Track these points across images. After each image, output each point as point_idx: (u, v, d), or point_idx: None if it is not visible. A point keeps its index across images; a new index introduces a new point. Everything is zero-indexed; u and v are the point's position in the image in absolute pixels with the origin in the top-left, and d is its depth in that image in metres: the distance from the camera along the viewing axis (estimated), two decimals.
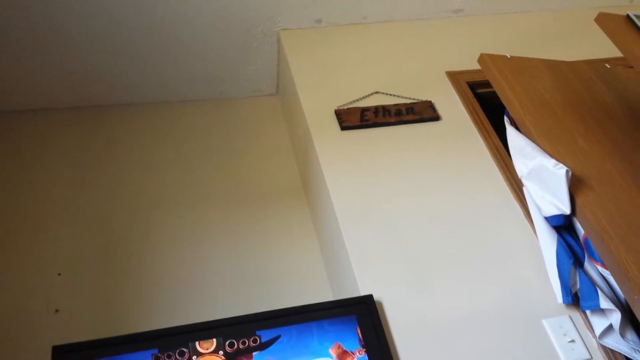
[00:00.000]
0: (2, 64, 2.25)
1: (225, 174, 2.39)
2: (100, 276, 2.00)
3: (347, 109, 2.14)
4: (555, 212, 1.65)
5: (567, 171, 1.57)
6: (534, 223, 1.75)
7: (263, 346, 1.44)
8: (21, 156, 2.30)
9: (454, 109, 2.21)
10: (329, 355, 1.45)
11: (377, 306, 1.58)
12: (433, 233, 1.80)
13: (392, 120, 2.12)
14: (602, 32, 1.82)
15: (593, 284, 1.56)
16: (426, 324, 1.58)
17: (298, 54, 2.39)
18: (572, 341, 1.57)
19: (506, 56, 1.99)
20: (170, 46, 2.37)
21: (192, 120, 2.57)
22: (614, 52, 1.96)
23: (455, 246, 1.77)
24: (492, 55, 1.98)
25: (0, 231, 2.07)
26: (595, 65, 2.14)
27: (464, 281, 1.68)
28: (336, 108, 2.15)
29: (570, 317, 1.62)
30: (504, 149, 2.04)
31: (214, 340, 1.44)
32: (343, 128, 2.08)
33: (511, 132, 1.86)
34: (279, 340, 1.45)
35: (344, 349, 1.47)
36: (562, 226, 1.69)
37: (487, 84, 2.06)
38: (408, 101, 2.21)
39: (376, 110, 2.14)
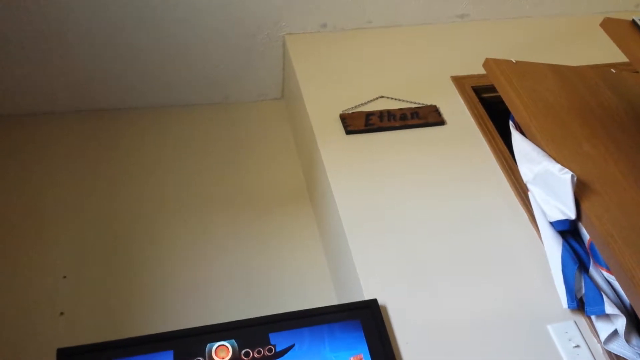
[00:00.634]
0: (3, 68, 2.26)
1: (230, 177, 2.39)
2: (105, 279, 2.01)
3: (352, 113, 2.15)
4: (561, 216, 1.65)
5: (572, 176, 1.57)
6: (539, 228, 1.75)
7: (278, 355, 1.45)
8: (25, 160, 2.31)
9: (459, 113, 2.21)
10: None
11: (382, 310, 1.58)
12: (438, 237, 1.80)
13: (397, 124, 2.12)
14: (608, 37, 1.81)
15: (598, 289, 1.56)
16: (430, 328, 1.58)
17: (303, 59, 2.39)
18: (577, 346, 1.56)
19: (511, 61, 1.99)
20: (175, 50, 2.38)
21: (196, 124, 2.58)
22: (619, 57, 1.95)
23: (460, 251, 1.77)
24: (498, 60, 1.98)
25: (5, 234, 2.08)
26: (600, 70, 2.14)
27: (468, 286, 1.68)
28: (341, 112, 2.15)
29: (575, 322, 1.62)
30: (509, 153, 2.03)
31: (229, 348, 1.44)
32: (348, 132, 2.08)
33: (516, 137, 1.86)
34: (292, 349, 1.46)
35: None
36: (568, 231, 1.69)
37: (492, 88, 2.06)
38: (413, 105, 2.21)
39: (381, 114, 2.14)
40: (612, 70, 2.16)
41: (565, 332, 1.59)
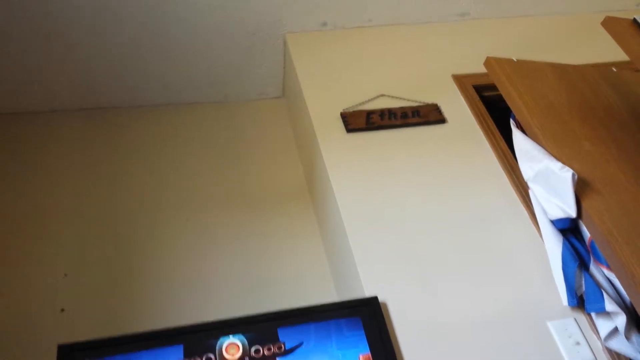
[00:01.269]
0: (4, 66, 2.27)
1: (230, 176, 2.40)
2: (105, 277, 2.01)
3: (353, 111, 2.15)
4: (561, 215, 1.65)
5: (573, 174, 1.57)
6: (540, 226, 1.75)
7: (287, 352, 1.46)
8: (26, 158, 2.31)
9: (460, 111, 2.22)
10: None
11: (382, 308, 1.59)
12: (438, 235, 1.80)
13: (398, 123, 2.12)
14: (609, 35, 1.82)
15: (598, 286, 1.56)
16: (431, 325, 1.58)
17: (304, 57, 2.40)
18: (577, 343, 1.57)
19: (512, 59, 1.99)
20: (175, 49, 2.38)
21: (197, 122, 2.58)
22: (620, 55, 1.96)
23: (461, 248, 1.77)
24: (499, 58, 1.98)
25: (6, 232, 2.08)
26: (601, 68, 2.15)
27: (469, 283, 1.69)
28: (342, 111, 2.15)
29: (575, 319, 1.62)
30: (510, 151, 2.04)
31: (240, 346, 1.45)
32: (349, 131, 2.08)
33: (517, 135, 1.86)
34: (301, 347, 1.47)
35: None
36: (568, 229, 1.69)
37: (493, 87, 2.06)
38: (414, 104, 2.21)
39: (382, 113, 2.15)
40: (613, 69, 2.16)
41: (566, 329, 1.60)
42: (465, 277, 1.70)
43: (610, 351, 1.56)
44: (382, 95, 2.24)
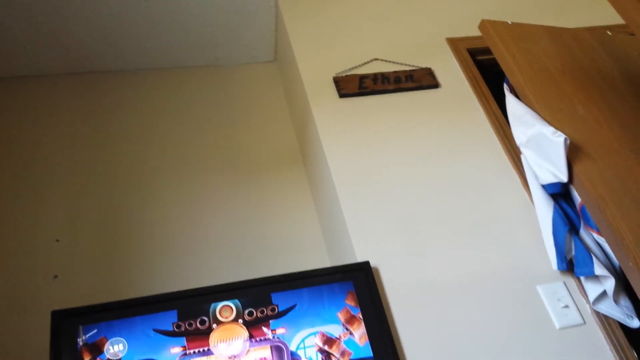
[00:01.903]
0: None
1: (223, 141, 2.38)
2: (98, 242, 2.02)
3: (346, 76, 2.13)
4: (553, 179, 1.65)
5: (565, 139, 1.57)
6: (531, 191, 1.76)
7: (280, 314, 1.48)
8: (17, 123, 2.29)
9: (453, 76, 2.20)
10: (337, 321, 1.48)
11: (374, 272, 1.60)
12: (430, 200, 1.80)
13: (391, 87, 2.10)
14: None
15: (588, 250, 1.58)
16: (422, 289, 1.60)
17: (296, 20, 2.35)
18: (566, 307, 1.59)
19: (507, 22, 1.96)
20: (164, 11, 2.32)
21: (187, 87, 2.56)
22: (616, 19, 1.94)
23: (452, 213, 1.78)
24: (493, 21, 1.95)
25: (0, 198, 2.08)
26: (596, 32, 2.12)
27: (459, 248, 1.70)
28: (334, 75, 2.13)
29: (564, 283, 1.64)
30: (503, 117, 2.03)
31: (233, 308, 1.46)
32: (341, 96, 2.06)
33: (510, 100, 1.85)
34: (294, 309, 1.49)
35: (352, 313, 1.50)
36: (559, 194, 1.70)
37: (487, 51, 2.04)
38: (407, 68, 2.19)
39: (375, 77, 2.12)
40: (609, 32, 2.14)
41: (555, 293, 1.62)
42: (456, 242, 1.71)
43: (598, 314, 1.58)
44: (376, 59, 2.22)
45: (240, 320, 1.46)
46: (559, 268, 1.63)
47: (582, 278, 1.62)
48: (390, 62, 2.21)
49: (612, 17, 2.11)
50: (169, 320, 1.43)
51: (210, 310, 1.46)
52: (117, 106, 2.42)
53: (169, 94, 2.51)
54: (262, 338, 1.44)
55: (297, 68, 2.19)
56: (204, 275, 1.97)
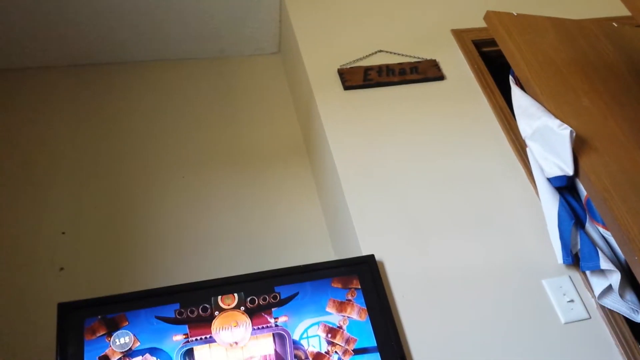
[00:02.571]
0: None
1: (227, 133, 2.38)
2: (104, 235, 2.02)
3: (351, 68, 2.12)
4: (558, 172, 1.65)
5: (571, 132, 1.56)
6: (537, 184, 1.75)
7: (282, 302, 1.48)
8: (21, 115, 2.29)
9: (458, 68, 2.18)
10: (329, 314, 1.49)
11: (379, 266, 1.60)
12: (435, 193, 1.80)
13: (396, 79, 2.09)
14: None
15: (594, 244, 1.57)
16: (427, 283, 1.60)
17: (301, 11, 2.34)
18: (572, 301, 1.59)
19: (512, 14, 1.95)
20: (169, 2, 2.31)
21: (192, 78, 2.55)
22: (621, 10, 1.92)
23: (458, 206, 1.78)
24: (499, 12, 1.94)
25: (5, 191, 2.07)
26: (602, 23, 2.11)
27: (465, 241, 1.70)
28: (339, 67, 2.12)
29: (570, 277, 1.64)
30: (508, 109, 2.02)
31: (235, 296, 1.47)
32: (346, 88, 2.06)
33: (516, 92, 1.84)
34: (296, 297, 1.49)
35: (338, 300, 1.50)
36: (565, 187, 1.69)
37: (493, 42, 2.03)
38: (412, 60, 2.18)
39: (380, 69, 2.11)
40: (614, 24, 2.12)
41: (560, 287, 1.61)
42: (462, 235, 1.71)
43: (604, 309, 1.58)
44: (380, 51, 2.21)
45: (242, 308, 1.46)
46: (564, 262, 1.63)
47: (587, 272, 1.61)
48: (395, 53, 2.20)
49: (617, 9, 2.09)
50: (172, 313, 1.44)
51: (212, 297, 1.47)
52: (121, 99, 2.42)
53: (173, 86, 2.50)
54: (264, 325, 1.45)
55: (301, 60, 2.19)
56: (208, 269, 1.97)
